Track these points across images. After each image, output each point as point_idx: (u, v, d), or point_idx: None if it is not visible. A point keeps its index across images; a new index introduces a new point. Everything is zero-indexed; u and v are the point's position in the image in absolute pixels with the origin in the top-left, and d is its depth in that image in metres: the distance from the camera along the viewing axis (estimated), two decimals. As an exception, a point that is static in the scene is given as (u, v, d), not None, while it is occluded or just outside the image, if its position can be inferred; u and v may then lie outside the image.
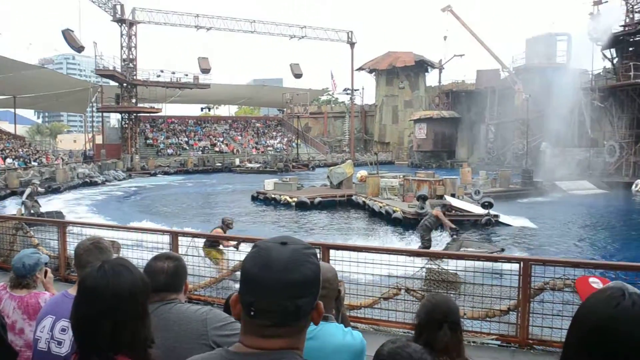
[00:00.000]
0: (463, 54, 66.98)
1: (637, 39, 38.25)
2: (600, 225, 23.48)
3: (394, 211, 24.26)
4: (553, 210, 27.00)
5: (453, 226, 15.63)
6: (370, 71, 73.33)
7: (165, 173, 54.55)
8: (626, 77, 37.58)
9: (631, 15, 39.18)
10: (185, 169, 57.39)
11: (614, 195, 32.10)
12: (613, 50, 41.22)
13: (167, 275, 2.47)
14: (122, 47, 56.47)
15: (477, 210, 23.15)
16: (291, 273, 1.34)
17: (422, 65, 70.23)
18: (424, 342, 2.43)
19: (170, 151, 63.69)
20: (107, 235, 8.15)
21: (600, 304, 1.17)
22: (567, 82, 44.86)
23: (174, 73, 59.70)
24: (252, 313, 1.34)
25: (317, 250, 6.94)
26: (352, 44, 68.58)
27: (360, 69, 72.88)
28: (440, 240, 16.11)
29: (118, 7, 55.77)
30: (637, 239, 20.10)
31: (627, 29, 38.76)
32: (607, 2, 41.38)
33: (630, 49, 39.64)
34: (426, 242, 14.80)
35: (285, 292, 1.33)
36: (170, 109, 71.66)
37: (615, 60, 41.11)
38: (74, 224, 10.06)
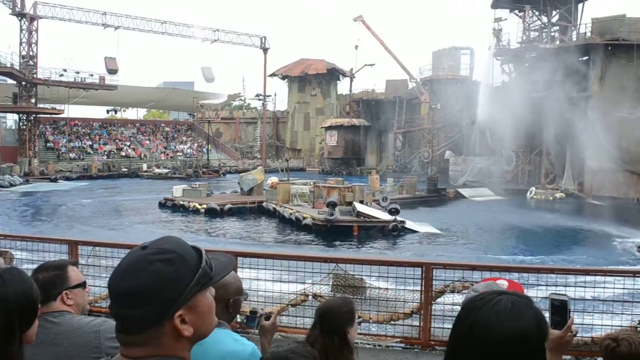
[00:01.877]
0: (373, 64, 68.66)
1: (532, 55, 40.87)
2: (498, 229, 24.82)
3: (304, 218, 24.45)
4: (455, 216, 28.23)
5: None
6: (283, 77, 73.55)
7: (67, 178, 51.69)
8: (522, 91, 39.91)
9: (527, 33, 41.86)
10: (89, 174, 54.77)
11: (511, 202, 34.04)
12: (511, 65, 43.83)
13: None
14: (21, 42, 53.12)
15: (385, 216, 23.80)
16: (124, 281, 1.29)
17: (333, 73, 71.30)
18: (304, 340, 2.50)
19: (72, 155, 60.57)
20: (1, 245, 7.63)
21: (476, 306, 1.27)
22: (469, 94, 47.22)
23: (78, 73, 56.92)
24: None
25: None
26: (265, 50, 68.54)
27: (272, 75, 72.92)
28: None
29: (18, 0, 52.50)
30: (531, 242, 21.40)
31: (523, 45, 41.36)
32: (506, 19, 43.97)
33: (527, 64, 42.31)
34: None
35: (119, 301, 1.29)
36: (73, 111, 68.18)
37: (513, 75, 43.72)
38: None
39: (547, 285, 6.21)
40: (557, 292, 2.29)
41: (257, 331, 2.77)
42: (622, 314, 6.05)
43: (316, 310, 2.70)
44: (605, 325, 5.92)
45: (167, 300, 1.28)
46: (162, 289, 1.28)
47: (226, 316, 2.48)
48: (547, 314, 1.83)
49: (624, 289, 6.24)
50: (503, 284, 3.70)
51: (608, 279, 6.24)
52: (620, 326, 5.65)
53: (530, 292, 6.00)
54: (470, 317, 1.26)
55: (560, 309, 1.92)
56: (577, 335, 6.08)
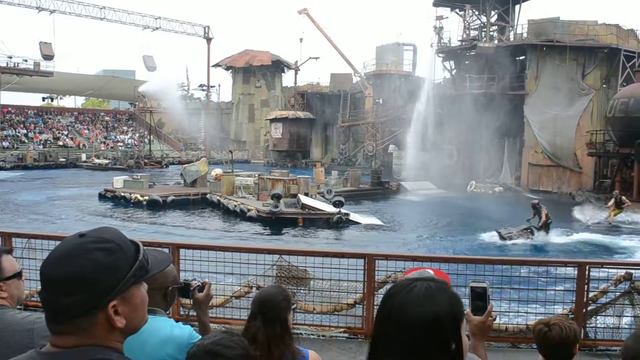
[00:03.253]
0: (318, 57, 68.74)
1: (472, 53, 41.98)
2: (438, 221, 25.43)
3: (249, 210, 24.36)
4: (398, 209, 28.76)
5: None
6: (227, 68, 72.61)
7: (0, 168, 49.48)
8: (462, 88, 41.09)
9: (467, 32, 42.95)
10: (24, 164, 52.56)
11: (452, 195, 34.92)
12: (452, 62, 44.87)
13: None
14: (-53, 25, 50.33)
15: (329, 208, 23.99)
16: (58, 268, 1.28)
17: (278, 66, 70.96)
18: (243, 332, 2.50)
19: (5, 144, 57.94)
20: None
21: (392, 293, 1.37)
22: (412, 89, 48.01)
23: (10, 57, 54.45)
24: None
25: (167, 250, 6.74)
26: (208, 40, 67.54)
27: (216, 65, 71.89)
28: None
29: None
30: (469, 232, 22.02)
31: (463, 43, 42.41)
32: (447, 18, 44.93)
33: (466, 62, 43.42)
34: None
35: (50, 288, 1.28)
36: (6, 98, 65.20)
37: (453, 72, 44.78)
38: None
39: (484, 275, 6.45)
40: (477, 279, 2.40)
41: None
42: (556, 302, 6.34)
43: (253, 301, 2.68)
44: (539, 314, 6.20)
45: (103, 290, 1.28)
46: (98, 278, 1.27)
47: (163, 304, 2.49)
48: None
49: (555, 277, 6.53)
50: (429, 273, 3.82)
51: (550, 269, 6.52)
52: (553, 314, 5.93)
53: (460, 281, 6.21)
54: (389, 302, 1.35)
55: (481, 295, 2.01)
56: (514, 323, 6.36)
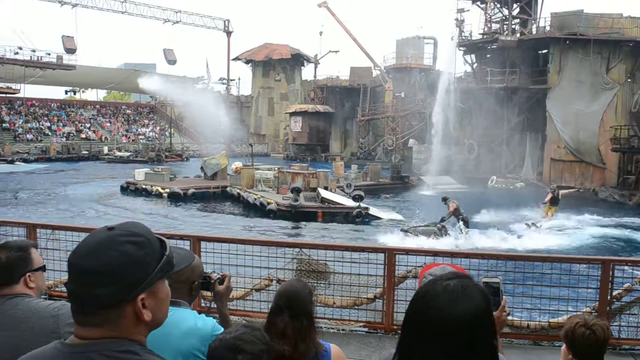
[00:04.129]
0: (338, 50, 68.80)
1: (494, 47, 41.52)
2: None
3: (269, 203, 24.43)
4: (418, 203, 28.61)
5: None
6: (247, 62, 72.80)
7: (24, 160, 50.30)
8: (483, 82, 40.68)
9: (489, 25, 42.46)
10: (48, 156, 53.38)
11: (473, 190, 34.65)
12: (473, 56, 44.43)
13: None
14: (-27, 19, 51.15)
15: (349, 202, 23.97)
16: (91, 259, 1.30)
17: (298, 59, 70.95)
18: (267, 326, 2.51)
19: (30, 136, 58.84)
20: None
21: (423, 290, 1.36)
22: (433, 83, 47.70)
23: (34, 51, 55.20)
24: (68, 299, 1.33)
25: (188, 242, 6.81)
26: (228, 33, 67.76)
27: (236, 58, 72.12)
28: None
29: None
30: (490, 227, 21.78)
31: (485, 37, 41.96)
32: (469, 10, 44.47)
33: (488, 55, 42.96)
34: None
35: (82, 278, 1.30)
36: (30, 91, 66.22)
37: (474, 65, 44.34)
38: None
39: (505, 271, 6.40)
40: (489, 275, 2.40)
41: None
42: (579, 299, 6.26)
43: (279, 295, 2.67)
44: (561, 311, 6.13)
45: (133, 282, 1.30)
46: (130, 270, 1.30)
47: (188, 298, 2.51)
48: None
49: (567, 274, 6.45)
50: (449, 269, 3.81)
51: (564, 265, 6.44)
52: (575, 311, 5.86)
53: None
54: (423, 301, 1.33)
55: (495, 290, 2.04)
56: (535, 320, 6.30)
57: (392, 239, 18.20)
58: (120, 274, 1.29)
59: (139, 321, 1.34)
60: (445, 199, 19.46)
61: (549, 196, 21.86)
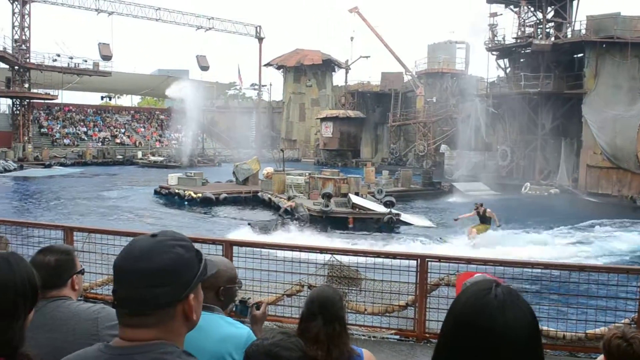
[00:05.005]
0: (369, 56, 68.44)
1: (527, 51, 40.90)
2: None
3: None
4: (450, 210, 28.30)
5: None
6: (278, 67, 73.25)
7: (62, 165, 51.50)
8: (517, 87, 40.06)
9: (522, 29, 41.85)
10: (84, 160, 54.56)
11: (506, 197, 34.15)
12: (506, 61, 43.85)
13: (47, 269, 2.32)
14: (13, 26, 52.60)
15: (380, 208, 23.85)
16: (147, 261, 1.35)
17: (329, 65, 71.09)
18: (300, 332, 2.54)
19: (67, 141, 60.26)
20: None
21: (470, 297, 1.28)
22: (465, 88, 47.24)
23: (71, 58, 56.49)
24: (115, 302, 1.37)
25: (221, 247, 6.87)
26: (260, 39, 68.28)
27: (268, 64, 72.62)
28: None
29: (9, -17, 52.00)
30: (523, 235, 21.43)
31: (518, 41, 41.36)
32: (502, 14, 43.94)
33: (521, 60, 42.35)
34: None
35: (140, 280, 1.35)
36: (67, 97, 67.82)
37: (508, 70, 43.75)
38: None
39: (540, 280, 6.28)
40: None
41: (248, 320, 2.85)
42: (609, 310, 6.11)
43: (311, 301, 2.69)
44: (599, 322, 5.98)
45: (185, 283, 1.38)
46: (182, 271, 1.38)
47: (218, 303, 2.55)
48: None
49: (605, 284, 6.28)
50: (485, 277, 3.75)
51: (601, 276, 6.29)
52: (614, 322, 5.72)
53: (517, 286, 6.07)
54: (474, 310, 1.25)
55: None
56: (571, 330, 6.16)
57: (424, 246, 18.06)
58: (176, 274, 1.37)
59: (184, 322, 1.41)
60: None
61: (471, 213, 19.17)
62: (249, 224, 21.18)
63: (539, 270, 6.47)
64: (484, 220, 18.76)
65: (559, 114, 39.01)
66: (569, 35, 39.32)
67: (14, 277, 1.62)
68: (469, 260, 6.64)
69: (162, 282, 1.34)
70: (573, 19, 40.55)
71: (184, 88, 56.40)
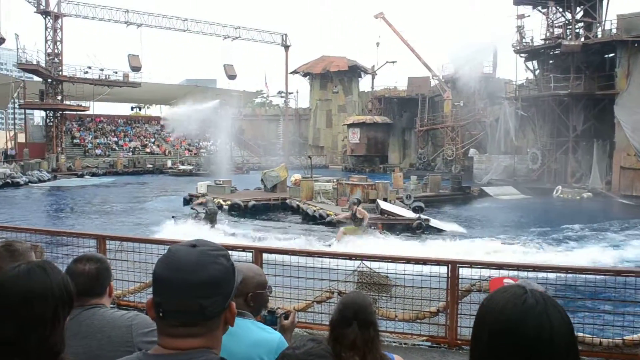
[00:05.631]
0: (395, 61, 68.29)
1: (556, 52, 40.27)
2: (524, 228, 24.50)
3: (328, 215, 24.45)
4: (481, 215, 27.98)
5: None
6: (305, 75, 73.56)
7: (93, 174, 52.54)
8: (547, 89, 39.48)
9: (551, 30, 41.24)
10: (115, 170, 55.57)
11: (537, 200, 33.61)
12: (535, 62, 43.25)
13: (88, 278, 2.36)
14: (46, 40, 53.94)
15: (409, 214, 23.70)
16: (197, 274, 1.37)
17: (355, 71, 71.10)
18: (334, 338, 2.54)
19: (98, 151, 61.47)
20: (31, 239, 7.78)
21: (507, 303, 1.20)
22: (493, 91, 46.72)
23: (102, 70, 57.67)
24: (160, 314, 1.38)
25: (250, 254, 6.90)
26: (286, 47, 68.64)
27: (294, 72, 72.96)
28: None
29: (42, -2, 53.35)
30: (558, 241, 21.09)
31: (547, 42, 40.77)
32: (529, 16, 43.38)
33: (551, 61, 41.72)
34: None
35: (191, 292, 1.36)
36: (98, 108, 69.22)
37: (537, 72, 43.13)
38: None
39: (575, 285, 6.15)
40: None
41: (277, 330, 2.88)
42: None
43: (345, 307, 2.68)
44: (636, 328, 5.83)
45: (230, 291, 1.43)
46: (228, 281, 1.42)
47: (247, 309, 2.57)
48: None
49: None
50: (510, 283, 3.69)
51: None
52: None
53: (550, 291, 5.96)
54: (501, 316, 1.19)
55: None
56: (608, 337, 6.01)
57: (455, 251, 17.85)
58: (223, 285, 1.40)
59: (224, 328, 1.45)
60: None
61: (348, 214, 17.80)
62: (172, 217, 23.07)
63: (573, 275, 6.32)
64: (356, 220, 17.09)
65: (590, 116, 38.29)
66: (599, 35, 38.61)
67: (52, 284, 1.65)
68: (500, 266, 6.55)
69: (212, 293, 1.37)
70: (603, 19, 39.83)
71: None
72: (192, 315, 1.37)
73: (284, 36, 68.70)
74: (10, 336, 1.55)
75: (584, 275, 6.21)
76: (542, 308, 1.18)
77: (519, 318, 1.17)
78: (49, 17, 53.55)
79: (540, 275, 6.24)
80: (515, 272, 6.48)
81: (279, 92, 74.48)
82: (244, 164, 61.27)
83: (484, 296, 5.85)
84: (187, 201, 31.76)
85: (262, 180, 32.97)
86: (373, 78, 69.78)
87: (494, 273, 6.35)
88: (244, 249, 7.28)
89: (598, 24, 39.77)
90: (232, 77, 66.59)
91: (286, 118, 72.49)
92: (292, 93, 75.91)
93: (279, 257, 7.06)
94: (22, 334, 1.56)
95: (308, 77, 73.54)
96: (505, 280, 5.56)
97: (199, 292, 1.36)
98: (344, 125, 65.85)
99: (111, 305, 2.51)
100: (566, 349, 1.17)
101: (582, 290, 6.18)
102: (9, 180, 40.73)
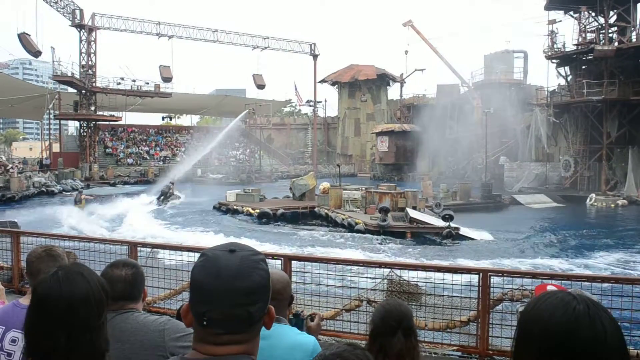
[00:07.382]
0: (424, 69, 67.99)
1: (589, 57, 39.57)
2: (557, 237, 24.06)
3: (356, 223, 24.39)
4: (512, 223, 27.55)
5: None
6: (333, 84, 73.73)
7: (125, 183, 53.46)
8: (579, 95, 38.80)
9: (583, 35, 40.56)
10: (146, 179, 56.34)
11: (570, 209, 32.97)
12: (567, 68, 42.56)
13: (126, 283, 2.40)
14: (81, 53, 55.29)
15: (438, 222, 23.48)
16: (241, 281, 1.35)
17: (383, 79, 70.99)
18: (378, 347, 2.50)
19: (130, 161, 62.52)
20: (63, 245, 7.92)
21: (556, 311, 1.13)
22: (524, 98, 46.10)
23: (134, 81, 58.75)
24: (205, 322, 1.35)
25: (280, 262, 6.90)
26: (315, 56, 68.92)
27: (323, 81, 73.21)
28: None
29: (77, 11, 54.62)
30: (592, 249, 20.65)
31: (579, 47, 40.11)
32: (561, 21, 42.75)
33: (583, 67, 41.01)
34: None
35: (236, 300, 1.34)
36: (130, 118, 70.47)
37: (569, 78, 42.43)
38: (28, 234, 9.69)
39: (611, 295, 5.98)
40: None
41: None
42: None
43: (389, 315, 2.62)
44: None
45: (269, 296, 1.42)
46: (269, 286, 1.41)
47: (286, 313, 2.59)
48: None
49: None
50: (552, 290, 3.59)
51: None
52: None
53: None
54: (548, 325, 1.12)
55: None
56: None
57: (486, 260, 17.61)
58: (266, 291, 1.40)
59: (259, 335, 1.44)
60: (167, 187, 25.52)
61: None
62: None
63: (609, 285, 6.15)
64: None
65: (625, 122, 37.51)
66: (634, 40, 37.84)
67: (92, 288, 1.66)
68: (534, 275, 6.42)
69: (257, 300, 1.36)
70: (637, 22, 39.04)
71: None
72: (238, 323, 1.35)
73: (313, 45, 69.02)
74: (63, 344, 1.57)
75: (620, 285, 6.04)
76: (594, 313, 1.10)
77: (571, 328, 1.10)
78: (83, 31, 54.90)
79: (575, 284, 6.09)
80: (549, 281, 6.33)
81: (308, 101, 74.74)
82: (273, 173, 61.56)
83: (517, 306, 5.72)
84: (217, 209, 32.10)
85: (290, 188, 33.10)
86: (402, 86, 69.60)
87: (527, 282, 6.22)
88: (273, 256, 7.28)
89: (632, 28, 38.98)
90: (261, 86, 67.10)
91: (315, 127, 72.69)
92: (320, 102, 76.17)
93: (307, 265, 7.04)
94: (72, 341, 1.58)
95: (336, 85, 73.69)
96: (549, 288, 5.42)
97: (245, 299, 1.34)
98: (373, 133, 65.72)
99: (143, 311, 2.53)
100: (620, 357, 1.10)
101: (619, 301, 6.00)
102: (44, 189, 41.67)
